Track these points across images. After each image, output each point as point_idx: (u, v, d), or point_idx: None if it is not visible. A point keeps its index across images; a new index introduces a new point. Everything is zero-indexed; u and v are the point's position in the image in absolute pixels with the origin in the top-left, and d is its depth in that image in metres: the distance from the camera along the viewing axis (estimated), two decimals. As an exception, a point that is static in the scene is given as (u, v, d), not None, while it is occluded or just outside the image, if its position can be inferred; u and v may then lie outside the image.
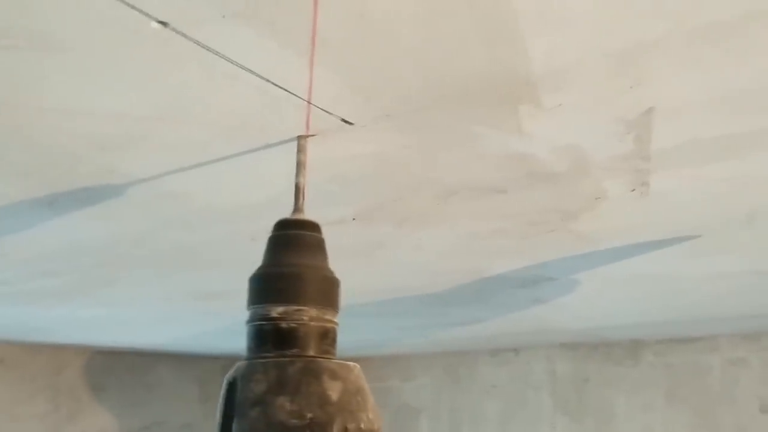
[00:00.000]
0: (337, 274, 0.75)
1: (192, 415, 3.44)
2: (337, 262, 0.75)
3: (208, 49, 0.61)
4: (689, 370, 3.24)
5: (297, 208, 0.78)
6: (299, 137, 0.79)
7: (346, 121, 0.77)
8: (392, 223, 1.19)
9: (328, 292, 0.73)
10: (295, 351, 0.70)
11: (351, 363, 0.72)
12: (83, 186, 0.97)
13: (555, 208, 1.12)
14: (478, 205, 1.09)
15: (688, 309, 2.40)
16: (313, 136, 0.79)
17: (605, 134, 0.83)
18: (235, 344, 2.94)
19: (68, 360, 2.97)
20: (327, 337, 0.72)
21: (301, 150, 0.79)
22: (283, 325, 0.70)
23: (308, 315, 0.71)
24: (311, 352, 0.70)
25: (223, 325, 2.50)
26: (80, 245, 1.29)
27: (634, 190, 1.03)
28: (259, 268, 0.75)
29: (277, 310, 0.71)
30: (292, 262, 0.73)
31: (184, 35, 0.60)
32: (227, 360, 3.50)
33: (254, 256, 1.30)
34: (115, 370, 3.15)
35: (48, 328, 2.45)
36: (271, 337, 0.70)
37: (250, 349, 0.72)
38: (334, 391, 0.68)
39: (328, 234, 0.75)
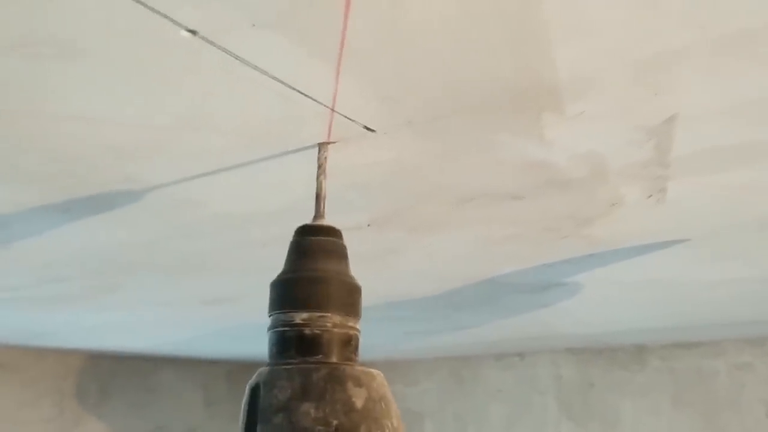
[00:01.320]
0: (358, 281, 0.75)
1: (196, 420, 3.44)
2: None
3: (236, 57, 0.61)
4: (695, 374, 3.24)
5: (318, 214, 0.78)
6: (320, 144, 0.79)
7: (368, 128, 0.77)
8: (406, 229, 1.19)
9: (351, 298, 0.73)
10: (318, 357, 0.70)
11: (374, 370, 0.72)
12: (99, 192, 0.97)
13: (570, 215, 1.12)
14: (493, 211, 1.09)
15: (694, 314, 2.40)
16: (334, 143, 0.79)
17: (626, 142, 0.83)
18: (240, 349, 2.95)
19: (73, 365, 2.97)
20: (350, 344, 0.72)
21: (322, 157, 0.79)
22: (307, 331, 0.70)
23: (332, 321, 0.70)
24: (335, 359, 0.70)
25: (229, 330, 2.50)
26: (92, 251, 1.29)
27: (650, 196, 1.03)
28: (281, 274, 0.75)
29: (300, 317, 0.70)
30: (315, 268, 0.72)
31: (212, 43, 0.60)
32: (232, 365, 3.49)
33: (265, 263, 1.30)
34: (119, 374, 3.15)
35: (54, 333, 2.45)
36: (294, 344, 0.70)
37: (272, 355, 0.71)
38: (358, 398, 0.68)
39: (341, 240, 0.76)
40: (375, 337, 2.76)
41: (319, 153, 0.79)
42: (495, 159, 0.88)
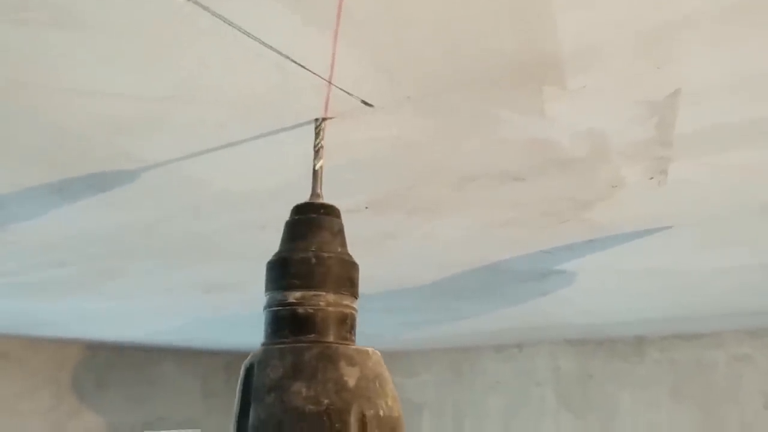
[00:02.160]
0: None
1: (194, 411, 3.43)
2: (346, 251, 0.74)
3: (231, 24, 0.60)
4: (694, 366, 3.23)
5: (315, 192, 0.76)
6: (317, 120, 0.78)
7: (366, 103, 0.76)
8: (405, 211, 1.18)
9: (346, 276, 0.72)
10: (312, 337, 0.68)
11: (370, 349, 0.70)
12: (95, 171, 0.96)
13: (571, 197, 1.11)
14: (493, 193, 1.08)
15: (694, 305, 2.39)
16: (331, 118, 0.78)
17: (628, 118, 0.82)
18: (239, 340, 2.94)
19: (71, 355, 2.96)
20: (345, 322, 0.71)
21: (319, 133, 0.78)
22: (300, 310, 0.68)
23: (326, 300, 0.69)
24: (329, 338, 0.69)
25: (228, 319, 2.49)
26: (89, 234, 1.27)
27: (652, 178, 1.01)
28: (277, 253, 0.73)
29: (294, 295, 0.69)
30: (309, 247, 0.71)
31: (207, 9, 0.58)
32: (230, 356, 3.49)
33: (263, 246, 1.29)
34: (117, 365, 3.14)
35: (52, 322, 2.44)
36: (287, 323, 0.69)
37: (267, 334, 0.70)
38: (351, 377, 0.66)
39: (339, 224, 0.74)
40: (374, 327, 2.75)
41: (316, 128, 0.78)
42: (496, 137, 0.86)
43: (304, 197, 0.77)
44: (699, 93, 0.77)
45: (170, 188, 1.03)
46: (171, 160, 0.91)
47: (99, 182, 0.98)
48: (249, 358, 0.70)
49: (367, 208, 1.15)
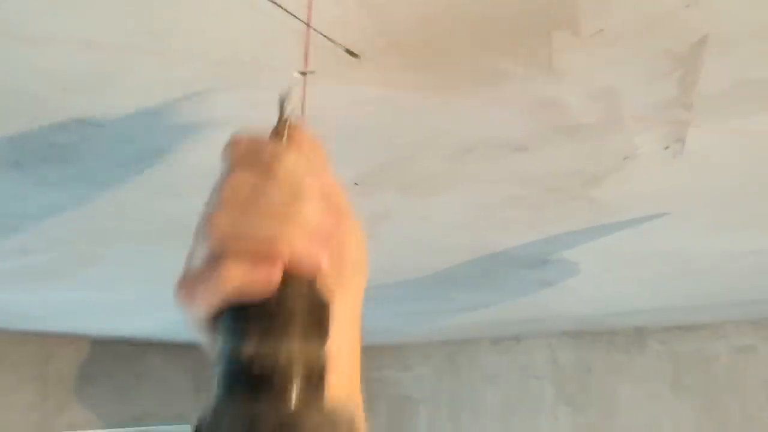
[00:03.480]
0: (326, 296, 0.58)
1: (184, 406, 3.35)
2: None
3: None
4: (695, 358, 3.16)
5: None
6: (296, 75, 0.69)
7: (350, 53, 0.67)
8: (398, 188, 1.08)
9: (314, 317, 0.54)
10: (269, 398, 0.52)
11: (345, 412, 0.55)
12: (53, 141, 0.86)
13: (577, 171, 1.02)
14: (494, 166, 0.99)
15: (697, 292, 2.31)
16: (312, 72, 0.69)
17: (647, 73, 0.73)
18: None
19: (56, 349, 2.87)
20: (311, 378, 0.53)
21: (297, 91, 0.68)
22: (255, 365, 0.51)
23: (288, 350, 0.52)
24: (290, 401, 0.52)
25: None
26: (55, 216, 1.18)
27: (667, 147, 0.93)
28: None
29: (248, 346, 0.52)
30: None
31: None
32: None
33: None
34: (104, 359, 3.05)
35: (34, 315, 2.35)
36: (240, 381, 0.52)
37: (217, 395, 0.53)
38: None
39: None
40: (366, 319, 2.66)
41: (294, 86, 0.69)
42: (497, 96, 0.77)
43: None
44: (727, 42, 0.68)
45: (137, 161, 0.93)
46: (134, 126, 0.81)
47: (57, 154, 0.88)
48: (199, 416, 0.54)
49: (356, 184, 1.06)
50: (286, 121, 0.56)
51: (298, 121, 0.60)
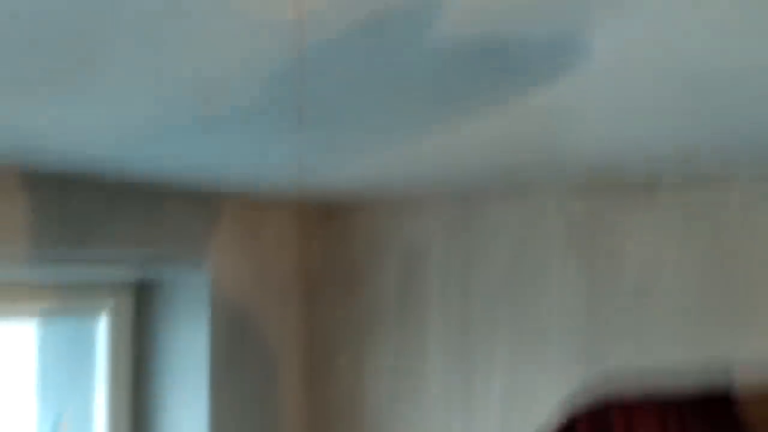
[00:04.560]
0: None
1: (199, 254, 3.44)
2: None
3: None
4: (706, 209, 3.16)
5: None
6: None
7: None
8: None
9: None
10: None
11: None
12: None
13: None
14: None
15: (715, 131, 2.26)
16: None
17: None
18: (241, 179, 2.87)
19: (71, 191, 2.92)
20: None
21: None
22: None
23: None
24: None
25: (221, 147, 2.41)
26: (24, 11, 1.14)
27: None
28: None
29: None
30: None
31: None
32: (234, 196, 3.43)
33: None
34: (120, 203, 3.12)
35: (42, 147, 2.36)
36: None
37: None
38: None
39: None
40: (369, 172, 2.60)
41: None
42: None
43: None
44: None
45: None
46: None
47: None
48: None
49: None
50: None
51: None
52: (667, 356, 3.12)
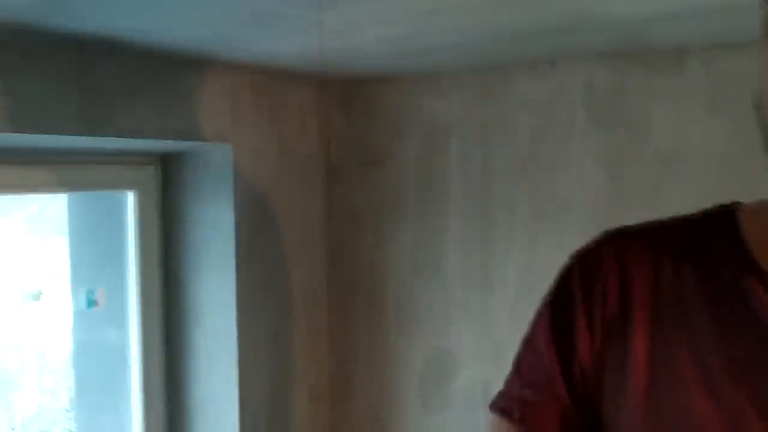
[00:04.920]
0: None
1: (223, 125, 3.47)
2: None
3: None
4: (735, 78, 3.11)
5: None
6: None
7: None
8: None
9: None
10: None
11: None
12: None
13: None
14: None
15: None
16: None
17: None
18: (265, 46, 2.83)
19: (95, 59, 2.92)
20: None
21: None
22: None
23: None
24: None
25: (245, 13, 2.37)
26: None
27: None
28: None
29: None
30: None
31: None
32: (256, 69, 3.42)
33: None
34: (144, 74, 3.12)
35: (64, 12, 2.34)
36: None
37: None
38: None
39: None
40: (395, 50, 2.54)
41: None
42: None
43: None
44: None
45: None
46: None
47: None
48: None
49: None
50: None
51: None
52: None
